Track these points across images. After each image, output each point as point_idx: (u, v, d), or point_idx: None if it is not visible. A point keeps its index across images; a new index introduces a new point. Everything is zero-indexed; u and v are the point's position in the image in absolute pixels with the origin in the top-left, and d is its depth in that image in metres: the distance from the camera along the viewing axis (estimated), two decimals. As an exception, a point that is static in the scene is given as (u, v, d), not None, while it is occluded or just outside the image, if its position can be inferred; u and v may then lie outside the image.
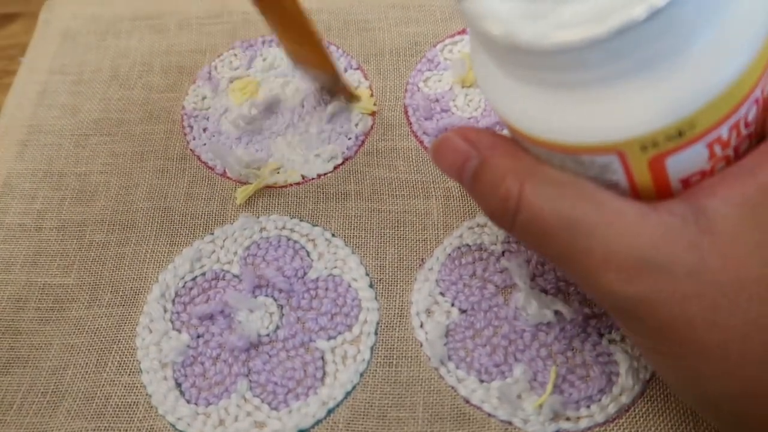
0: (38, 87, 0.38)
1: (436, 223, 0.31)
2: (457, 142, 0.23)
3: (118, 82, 0.38)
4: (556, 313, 0.27)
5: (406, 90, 0.36)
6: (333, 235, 0.31)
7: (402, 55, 0.38)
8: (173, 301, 0.30)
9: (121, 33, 0.40)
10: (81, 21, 0.41)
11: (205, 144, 0.35)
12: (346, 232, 0.31)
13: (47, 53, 0.40)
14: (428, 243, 0.31)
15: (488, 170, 0.21)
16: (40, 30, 0.41)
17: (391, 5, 0.40)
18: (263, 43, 0.39)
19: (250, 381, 0.27)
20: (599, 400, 0.26)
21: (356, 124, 0.35)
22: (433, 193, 0.32)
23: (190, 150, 0.35)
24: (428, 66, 0.37)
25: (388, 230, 0.31)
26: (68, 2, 0.42)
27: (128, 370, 0.28)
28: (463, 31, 0.38)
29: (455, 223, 0.31)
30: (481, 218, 0.31)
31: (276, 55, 0.38)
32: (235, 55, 0.39)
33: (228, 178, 0.34)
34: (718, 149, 0.19)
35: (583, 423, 0.25)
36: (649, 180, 0.19)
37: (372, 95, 0.37)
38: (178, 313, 0.29)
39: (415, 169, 0.33)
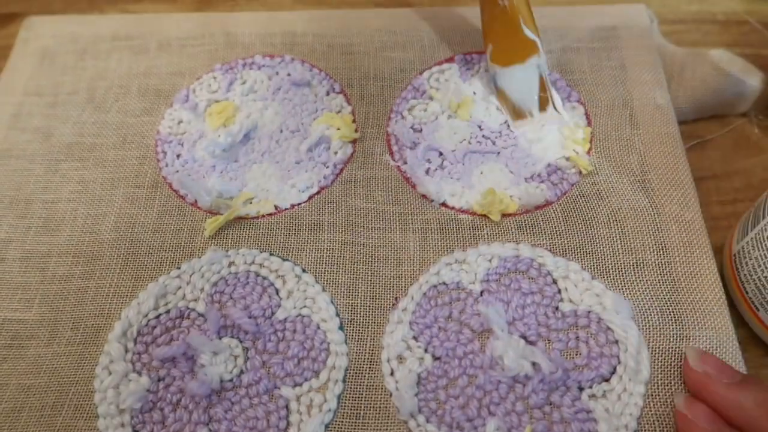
0: (12, 109, 0.37)
1: (412, 257, 0.30)
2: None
3: (93, 104, 0.37)
4: (535, 364, 0.26)
5: (389, 117, 0.35)
6: (303, 270, 0.30)
7: (387, 81, 0.37)
8: (135, 340, 0.28)
9: (100, 53, 0.39)
10: (60, 40, 0.40)
11: (177, 171, 0.34)
12: (318, 267, 0.30)
13: (24, 74, 0.39)
14: (403, 280, 0.29)
15: None
16: (18, 49, 0.40)
17: (377, 29, 0.39)
18: (244, 65, 0.38)
19: (210, 430, 0.26)
20: (576, 462, 0.24)
21: (335, 152, 0.34)
22: (410, 226, 0.31)
23: (162, 177, 0.34)
24: (414, 94, 0.36)
25: (361, 265, 0.30)
26: (48, 21, 0.41)
27: (84, 415, 0.27)
28: (451, 59, 0.37)
29: (432, 258, 0.30)
30: (459, 254, 0.30)
31: (256, 78, 0.37)
32: (215, 77, 0.38)
33: (199, 208, 0.32)
34: None
35: (559, 487, 0.24)
36: None
37: (354, 121, 0.35)
38: (139, 354, 0.28)
39: (393, 199, 0.32)
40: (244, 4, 0.44)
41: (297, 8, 0.43)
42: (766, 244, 0.26)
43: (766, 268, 0.26)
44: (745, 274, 0.27)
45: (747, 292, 0.27)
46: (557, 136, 0.33)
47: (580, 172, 0.32)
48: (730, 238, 0.29)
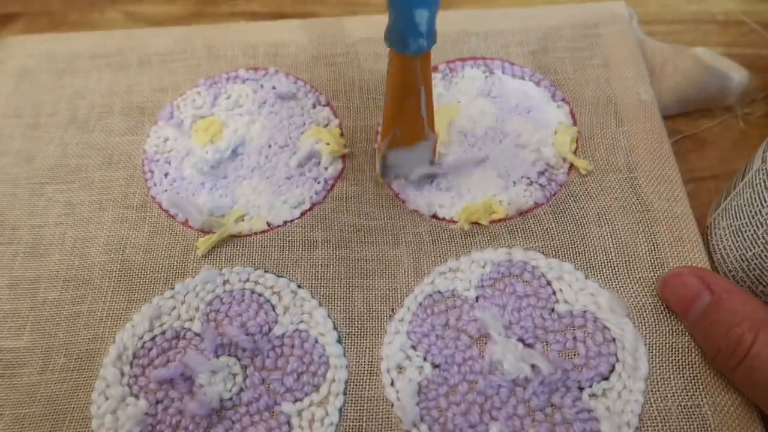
0: (-8, 132, 0.36)
1: (406, 269, 0.30)
2: (689, 279, 0.26)
3: (76, 125, 0.36)
4: (534, 366, 0.26)
5: (377, 131, 0.35)
6: (299, 286, 0.30)
7: (372, 92, 0.37)
8: (131, 363, 0.28)
9: (79, 72, 0.39)
10: (37, 59, 0.39)
11: (166, 190, 0.33)
12: (313, 282, 0.30)
13: (1, 95, 0.38)
14: (398, 291, 0.29)
15: (723, 312, 0.23)
16: (-6, 71, 0.39)
17: (360, 39, 0.39)
18: (228, 79, 0.38)
19: (212, 451, 0.26)
20: (580, 462, 0.24)
21: (326, 168, 0.34)
22: (404, 239, 0.31)
23: (151, 197, 0.33)
24: (398, 102, 0.36)
25: (356, 279, 0.30)
26: (24, 40, 0.41)
27: (82, 443, 0.26)
28: (435, 68, 0.37)
29: (426, 269, 0.30)
30: (453, 263, 0.30)
31: (241, 92, 0.37)
32: (199, 93, 0.37)
33: (190, 227, 0.32)
34: None
35: (564, 489, 0.24)
36: None
37: (342, 135, 0.35)
38: (136, 376, 0.28)
39: (385, 214, 0.32)
40: (244, 5, 0.43)
41: (295, 8, 0.42)
42: (732, 213, 0.27)
43: (731, 236, 0.27)
44: (713, 245, 0.29)
45: (714, 262, 0.29)
46: (549, 138, 0.33)
47: (568, 173, 0.32)
48: (705, 214, 0.31)
